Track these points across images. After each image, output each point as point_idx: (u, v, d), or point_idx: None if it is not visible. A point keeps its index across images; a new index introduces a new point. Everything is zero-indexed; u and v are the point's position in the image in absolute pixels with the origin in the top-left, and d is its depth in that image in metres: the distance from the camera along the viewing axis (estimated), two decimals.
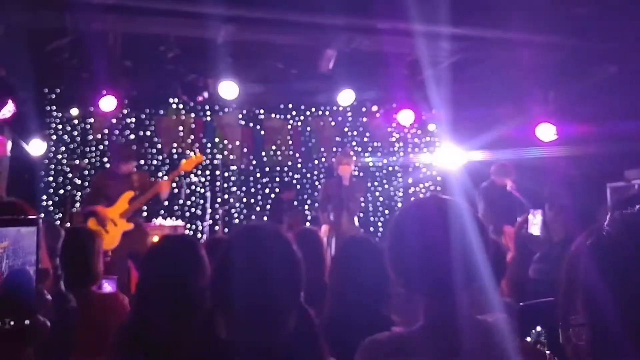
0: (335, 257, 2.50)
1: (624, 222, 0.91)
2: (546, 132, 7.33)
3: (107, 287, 3.05)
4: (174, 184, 7.76)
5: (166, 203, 6.21)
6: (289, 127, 8.93)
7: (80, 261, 2.52)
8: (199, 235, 8.14)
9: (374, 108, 8.29)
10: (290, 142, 8.94)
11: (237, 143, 8.66)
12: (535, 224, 5.57)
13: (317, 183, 8.82)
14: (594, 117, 6.49)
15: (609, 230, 0.92)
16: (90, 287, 2.59)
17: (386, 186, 9.24)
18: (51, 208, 7.79)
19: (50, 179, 7.85)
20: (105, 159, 7.81)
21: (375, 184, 9.21)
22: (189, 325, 1.41)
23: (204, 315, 1.34)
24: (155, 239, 6.65)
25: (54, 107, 7.85)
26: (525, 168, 6.97)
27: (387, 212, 9.20)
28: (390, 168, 9.29)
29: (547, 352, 1.33)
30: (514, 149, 6.89)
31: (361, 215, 8.77)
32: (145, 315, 1.94)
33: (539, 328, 1.33)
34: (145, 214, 7.58)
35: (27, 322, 1.10)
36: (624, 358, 0.87)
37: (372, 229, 9.08)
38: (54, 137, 7.88)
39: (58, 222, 7.51)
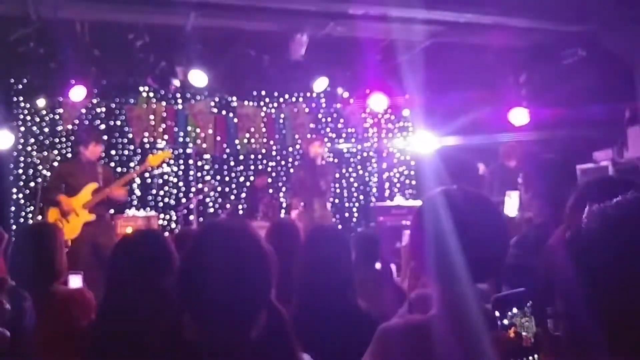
0: (302, 248, 2.49)
1: (603, 216, 0.88)
2: (518, 116, 7.41)
3: (75, 281, 2.98)
4: (147, 174, 7.68)
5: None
6: (262, 114, 8.85)
7: (42, 258, 2.45)
8: (173, 225, 8.06)
9: (346, 94, 8.27)
10: (264, 129, 8.87)
11: (210, 131, 8.56)
12: (511, 204, 5.66)
13: (292, 170, 8.78)
14: (564, 100, 6.57)
15: (588, 224, 0.90)
16: (54, 283, 2.53)
17: (361, 172, 9.26)
18: (22, 201, 7.62)
19: (20, 171, 7.67)
20: (77, 151, 7.67)
21: (350, 169, 9.23)
22: (156, 325, 1.37)
23: (171, 315, 1.30)
24: (129, 230, 6.59)
25: (21, 98, 7.62)
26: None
27: (361, 197, 9.24)
28: (365, 154, 9.31)
29: (524, 334, 1.33)
30: (487, 134, 6.95)
31: (336, 201, 8.81)
32: (111, 314, 1.91)
33: (515, 310, 1.34)
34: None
35: None
36: (598, 352, 0.87)
37: (347, 214, 9.12)
38: (22, 128, 7.68)
39: (30, 216, 7.39)
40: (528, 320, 1.32)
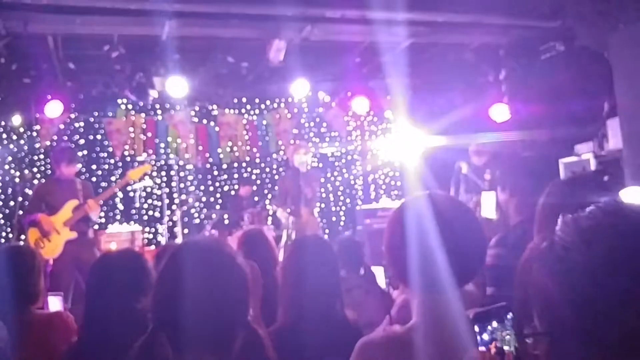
0: (285, 261, 2.43)
1: (576, 228, 0.85)
2: (500, 112, 7.44)
3: (54, 302, 2.88)
4: (129, 188, 7.55)
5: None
6: (244, 121, 8.78)
7: (17, 281, 2.35)
8: (159, 238, 7.94)
9: (327, 98, 8.23)
10: (246, 137, 8.79)
11: (192, 141, 8.47)
12: (487, 206, 5.65)
13: (276, 177, 8.72)
14: (544, 95, 6.60)
15: (561, 236, 0.86)
16: (31, 307, 2.43)
17: (346, 175, 9.22)
18: (2, 222, 7.45)
19: None
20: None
21: (335, 173, 9.19)
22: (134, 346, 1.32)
23: (148, 335, 1.25)
24: (113, 245, 6.47)
25: None
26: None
27: (347, 200, 9.20)
28: (349, 157, 9.28)
29: (506, 348, 1.29)
30: (470, 134, 6.95)
31: (322, 205, 8.75)
32: (91, 336, 1.85)
33: (495, 324, 1.29)
34: (102, 220, 7.39)
35: None
36: None
37: (333, 218, 9.07)
38: None
39: (10, 236, 7.22)
40: (509, 334, 1.28)
